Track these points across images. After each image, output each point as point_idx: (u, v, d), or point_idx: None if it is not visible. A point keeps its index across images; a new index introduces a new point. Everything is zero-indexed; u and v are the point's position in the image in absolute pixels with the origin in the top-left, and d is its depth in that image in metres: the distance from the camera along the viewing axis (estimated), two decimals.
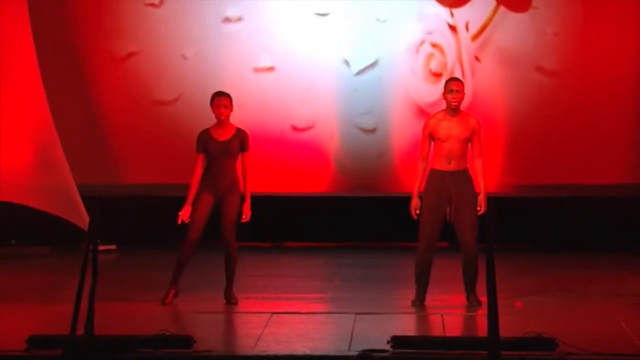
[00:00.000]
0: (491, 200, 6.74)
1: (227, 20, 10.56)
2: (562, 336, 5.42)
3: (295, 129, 10.50)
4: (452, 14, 10.43)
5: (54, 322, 5.93)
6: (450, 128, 6.89)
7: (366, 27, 10.48)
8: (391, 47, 10.47)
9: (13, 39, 9.87)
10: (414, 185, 7.00)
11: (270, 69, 10.54)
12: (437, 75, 10.30)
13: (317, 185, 10.51)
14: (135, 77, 10.51)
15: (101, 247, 8.27)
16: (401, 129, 10.38)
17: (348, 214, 10.55)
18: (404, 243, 9.75)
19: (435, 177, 6.91)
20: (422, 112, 10.15)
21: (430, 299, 7.01)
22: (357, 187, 10.47)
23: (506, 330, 5.10)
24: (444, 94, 6.93)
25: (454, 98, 6.88)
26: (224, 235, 7.04)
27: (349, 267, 9.22)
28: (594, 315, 6.76)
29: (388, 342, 5.42)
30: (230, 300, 7.07)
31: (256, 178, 10.27)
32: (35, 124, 9.91)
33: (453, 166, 6.90)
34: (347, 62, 10.54)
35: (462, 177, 6.92)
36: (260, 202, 10.08)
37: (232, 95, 7.13)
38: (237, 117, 7.32)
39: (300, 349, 5.51)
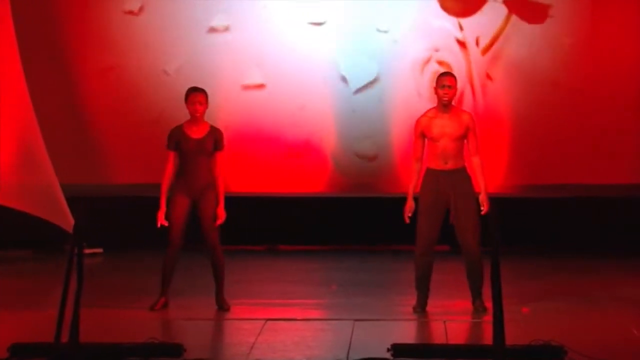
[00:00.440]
0: (494, 201, 6.75)
1: (213, 30, 10.32)
2: (571, 343, 5.43)
3: (287, 153, 10.25)
4: (460, 28, 10.11)
5: (37, 329, 5.93)
6: (443, 126, 6.90)
7: (365, 38, 10.22)
8: (393, 63, 10.19)
9: None
10: (409, 186, 7.01)
11: (261, 86, 10.28)
12: None
13: (313, 185, 10.50)
14: (119, 83, 10.38)
15: (87, 251, 8.29)
16: (404, 155, 9.91)
17: (346, 215, 10.54)
18: (405, 246, 9.70)
19: (432, 177, 6.93)
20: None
21: (432, 304, 7.03)
22: (355, 187, 10.46)
23: (512, 337, 5.11)
24: (435, 88, 6.95)
25: (445, 93, 6.90)
26: (207, 239, 7.04)
27: (347, 271, 9.22)
28: (604, 321, 6.77)
29: (388, 350, 5.43)
30: (222, 307, 7.07)
31: (248, 177, 10.41)
32: (17, 123, 9.91)
33: (450, 165, 6.92)
34: (344, 79, 10.31)
35: (460, 177, 6.94)
36: (253, 203, 10.20)
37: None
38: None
39: (296, 358, 5.51)
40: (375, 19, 10.25)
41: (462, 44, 10.17)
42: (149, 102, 10.31)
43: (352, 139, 10.30)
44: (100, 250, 10.12)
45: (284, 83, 10.29)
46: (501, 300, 4.88)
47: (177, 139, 7.06)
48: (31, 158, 9.92)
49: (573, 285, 8.29)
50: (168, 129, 7.24)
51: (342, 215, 10.55)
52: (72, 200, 9.81)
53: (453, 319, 6.68)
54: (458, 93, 7.39)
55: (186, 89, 7.18)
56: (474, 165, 7.00)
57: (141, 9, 10.36)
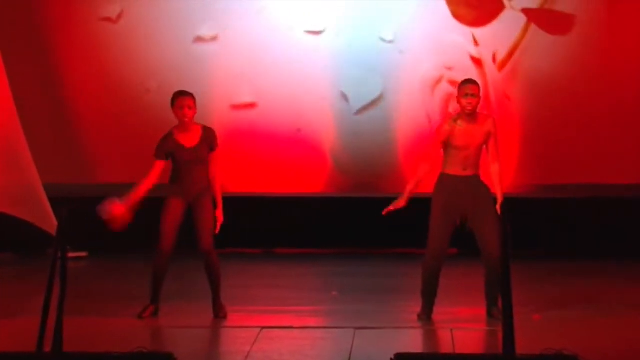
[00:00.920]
0: (506, 203, 6.74)
1: (199, 39, 9.99)
2: (585, 352, 5.42)
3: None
4: (475, 42, 9.73)
5: (17, 338, 5.93)
6: (468, 136, 6.88)
7: (368, 48, 9.88)
8: (400, 77, 9.88)
9: None
10: (409, 184, 6.96)
11: (252, 105, 9.96)
12: None
13: (312, 184, 10.48)
14: (103, 83, 10.26)
15: (71, 254, 8.27)
16: (405, 155, 9.74)
17: (347, 217, 10.53)
18: (409, 250, 9.76)
19: (448, 183, 6.92)
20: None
21: (438, 311, 7.02)
22: (356, 186, 10.44)
23: (523, 346, 5.10)
24: (458, 98, 6.92)
25: (469, 103, 6.87)
26: (202, 245, 7.01)
27: (347, 276, 9.22)
28: (619, 329, 6.76)
29: None
30: (218, 314, 7.07)
31: (243, 177, 10.40)
32: None
33: (468, 172, 6.93)
34: (345, 97, 10.03)
35: (478, 182, 6.96)
36: (249, 204, 10.20)
37: None
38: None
39: None
40: (379, 26, 9.93)
41: (477, 61, 9.85)
42: (136, 99, 10.20)
43: (354, 166, 10.00)
44: (85, 254, 10.12)
45: (277, 102, 9.96)
46: (512, 307, 4.87)
47: (169, 149, 6.98)
48: (12, 156, 9.92)
49: (586, 290, 8.29)
50: (156, 125, 7.19)
51: (343, 217, 10.53)
52: (55, 201, 9.81)
53: (461, 327, 6.68)
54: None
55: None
56: (493, 172, 7.00)
57: (120, 16, 10.10)
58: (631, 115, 10.14)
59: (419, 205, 7.09)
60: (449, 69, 9.87)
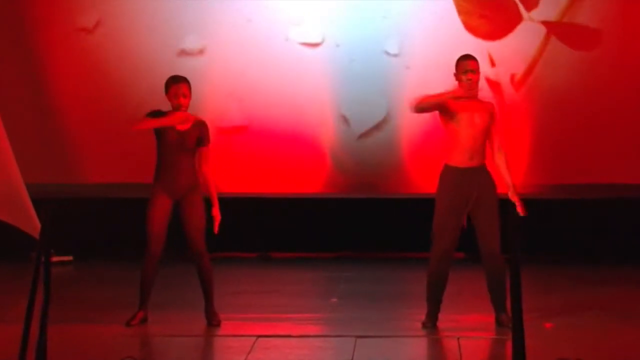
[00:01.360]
0: (513, 205, 6.73)
1: (183, 53, 9.71)
2: None
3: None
4: (492, 62, 9.33)
5: None
6: (472, 112, 6.84)
7: (371, 63, 9.58)
8: (407, 97, 9.10)
9: None
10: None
11: (242, 128, 9.72)
12: None
13: (310, 184, 10.48)
14: (89, 79, 10.18)
15: (55, 259, 8.27)
16: (409, 155, 9.60)
17: (347, 219, 10.54)
18: (413, 254, 9.76)
19: (453, 176, 6.89)
20: None
21: (443, 319, 7.02)
22: (357, 186, 10.44)
23: (534, 356, 5.11)
24: (457, 75, 6.90)
25: (469, 79, 6.86)
26: (192, 247, 7.00)
27: (348, 281, 9.23)
28: (635, 338, 6.77)
29: None
30: (211, 322, 7.06)
31: (237, 177, 10.40)
32: None
33: (475, 162, 6.89)
34: (346, 120, 9.85)
35: (484, 175, 6.93)
36: (244, 206, 10.19)
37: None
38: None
39: None
40: (383, 38, 9.69)
41: (494, 85, 9.52)
42: (124, 95, 10.15)
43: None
44: (69, 258, 10.12)
45: (269, 126, 9.74)
46: (522, 315, 4.87)
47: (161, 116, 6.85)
48: None
49: (601, 297, 8.30)
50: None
51: (344, 219, 10.55)
52: (38, 202, 9.77)
53: (468, 336, 6.68)
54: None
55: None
56: (498, 161, 6.96)
57: (97, 25, 9.93)
58: None
59: (424, 205, 7.09)
60: None
